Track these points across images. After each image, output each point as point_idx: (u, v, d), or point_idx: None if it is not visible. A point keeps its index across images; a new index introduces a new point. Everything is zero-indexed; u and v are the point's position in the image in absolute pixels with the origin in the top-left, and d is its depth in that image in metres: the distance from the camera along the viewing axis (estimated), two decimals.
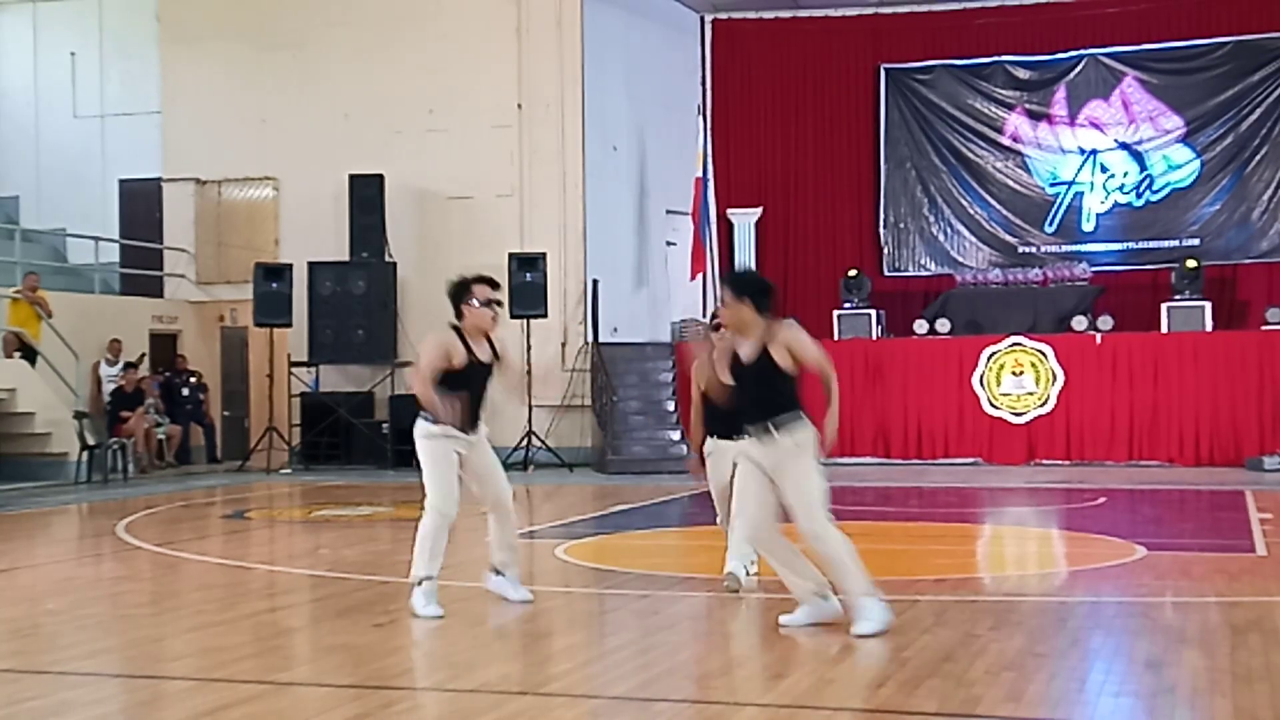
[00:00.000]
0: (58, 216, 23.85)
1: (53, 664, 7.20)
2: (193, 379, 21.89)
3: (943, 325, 20.38)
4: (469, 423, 8.16)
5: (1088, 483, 16.69)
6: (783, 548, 7.61)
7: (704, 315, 22.50)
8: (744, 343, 7.50)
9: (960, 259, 22.43)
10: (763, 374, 7.42)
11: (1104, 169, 22.13)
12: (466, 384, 8.10)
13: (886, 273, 22.70)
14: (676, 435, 19.75)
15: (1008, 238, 22.38)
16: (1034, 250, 22.17)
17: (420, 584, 8.15)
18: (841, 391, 7.50)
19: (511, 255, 20.02)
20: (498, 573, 8.52)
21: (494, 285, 8.25)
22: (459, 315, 8.16)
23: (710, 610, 8.70)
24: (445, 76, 21.34)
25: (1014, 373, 19.50)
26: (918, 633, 7.43)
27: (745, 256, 22.22)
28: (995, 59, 22.55)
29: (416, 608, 8.10)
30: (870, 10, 22.95)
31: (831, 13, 23.03)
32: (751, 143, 23.25)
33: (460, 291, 8.16)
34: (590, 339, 20.54)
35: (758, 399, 7.49)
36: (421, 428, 8.18)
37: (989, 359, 19.59)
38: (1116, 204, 22.10)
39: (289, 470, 20.31)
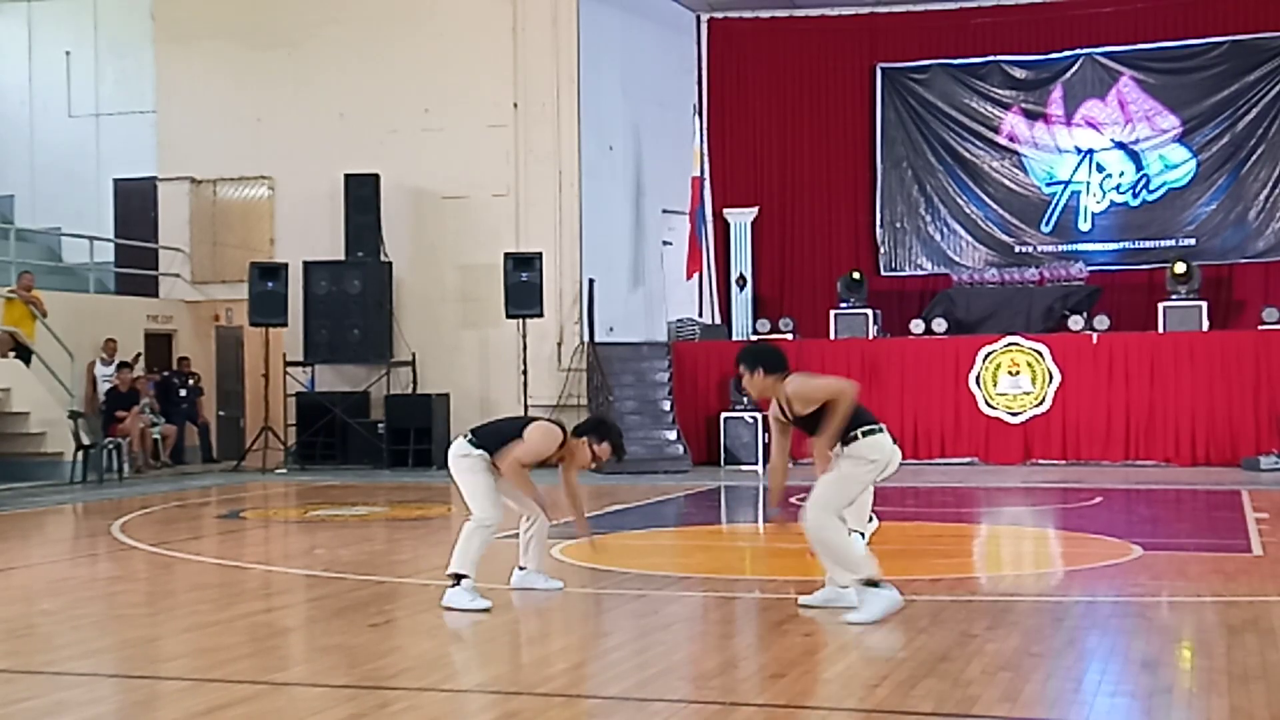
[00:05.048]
0: (52, 216, 23.84)
1: (48, 664, 7.18)
2: (190, 379, 21.85)
3: (939, 325, 20.39)
4: None
5: (1084, 482, 16.68)
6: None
7: (699, 315, 22.51)
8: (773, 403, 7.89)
9: (957, 259, 22.43)
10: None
11: (1100, 168, 22.13)
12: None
13: (883, 272, 22.70)
14: (673, 435, 19.72)
15: (1004, 237, 22.38)
16: (1030, 250, 22.18)
17: (458, 582, 8.27)
18: None
19: (507, 255, 20.02)
20: (522, 569, 8.91)
21: (620, 454, 8.61)
22: (580, 440, 8.51)
23: (707, 610, 8.71)
24: (441, 75, 21.32)
25: (1010, 372, 19.50)
26: (914, 632, 7.42)
27: (742, 256, 22.23)
28: (991, 58, 22.55)
29: (459, 604, 8.19)
30: (866, 10, 22.96)
31: (828, 12, 23.03)
32: (748, 142, 23.25)
33: (602, 433, 8.56)
34: (586, 338, 20.53)
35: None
36: (460, 447, 8.50)
37: (985, 359, 19.59)
38: (1113, 203, 22.11)
39: (284, 470, 20.28)
